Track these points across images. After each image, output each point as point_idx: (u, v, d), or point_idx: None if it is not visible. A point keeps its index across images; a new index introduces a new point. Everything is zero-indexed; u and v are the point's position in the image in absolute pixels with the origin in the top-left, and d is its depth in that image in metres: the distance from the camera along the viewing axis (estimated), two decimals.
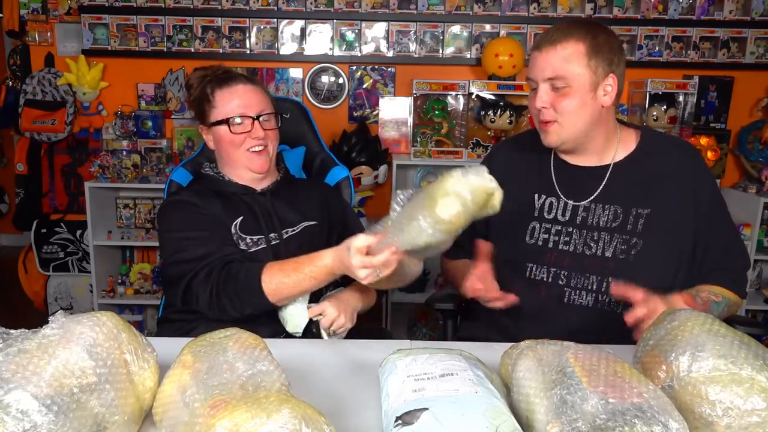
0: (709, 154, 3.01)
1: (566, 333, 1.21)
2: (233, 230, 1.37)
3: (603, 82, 1.26)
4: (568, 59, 1.23)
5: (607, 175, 1.34)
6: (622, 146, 1.35)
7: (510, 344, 0.92)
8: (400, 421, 0.72)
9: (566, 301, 1.33)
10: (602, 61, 1.25)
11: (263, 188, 1.46)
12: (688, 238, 1.32)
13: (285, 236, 1.42)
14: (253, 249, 1.37)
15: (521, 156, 1.45)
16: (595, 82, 1.25)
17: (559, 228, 1.36)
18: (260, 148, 1.40)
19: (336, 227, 1.50)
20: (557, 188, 1.37)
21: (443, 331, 1.60)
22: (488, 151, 1.63)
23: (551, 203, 1.37)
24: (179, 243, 1.34)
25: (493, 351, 0.99)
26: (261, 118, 1.39)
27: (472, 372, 0.81)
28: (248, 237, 1.38)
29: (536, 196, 1.39)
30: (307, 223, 1.46)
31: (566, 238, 1.35)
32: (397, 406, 0.76)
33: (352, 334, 1.33)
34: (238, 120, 1.37)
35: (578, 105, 1.25)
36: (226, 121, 1.38)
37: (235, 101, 1.39)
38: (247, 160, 1.41)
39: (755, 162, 3.00)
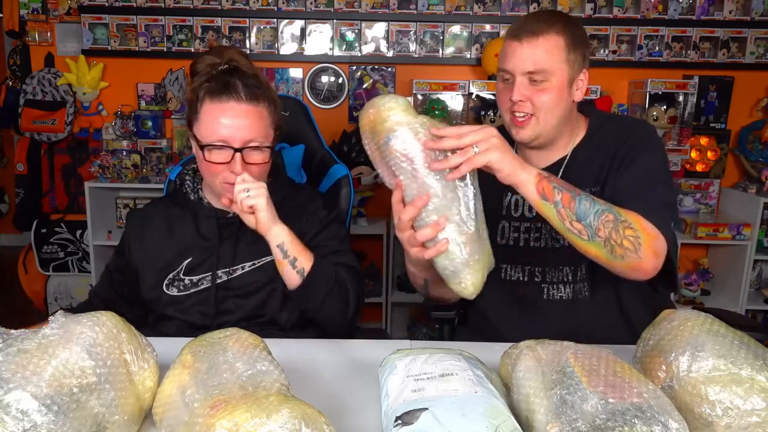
0: (709, 154, 3.01)
1: (551, 332, 1.20)
2: (171, 276, 1.30)
3: (577, 77, 1.24)
4: (549, 52, 1.20)
5: (563, 167, 1.32)
6: (578, 136, 1.33)
7: (510, 344, 0.92)
8: (399, 421, 0.72)
9: (545, 297, 1.31)
10: (579, 56, 1.23)
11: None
12: None
13: (237, 273, 1.29)
14: (187, 292, 1.29)
15: None
16: (572, 77, 1.23)
17: (528, 225, 1.34)
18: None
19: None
20: None
21: (440, 334, 1.60)
22: None
23: (517, 200, 1.36)
24: (105, 269, 1.42)
25: (493, 351, 0.99)
26: (245, 151, 1.19)
27: (471, 372, 0.81)
28: (187, 278, 1.29)
29: (504, 194, 1.37)
30: (271, 258, 1.24)
31: (536, 234, 1.33)
32: (397, 406, 0.76)
33: (353, 334, 1.32)
34: (217, 148, 1.19)
35: (556, 100, 1.22)
36: (203, 146, 1.20)
37: (219, 122, 1.18)
38: (221, 190, 1.23)
39: (755, 162, 3.00)
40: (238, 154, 1.18)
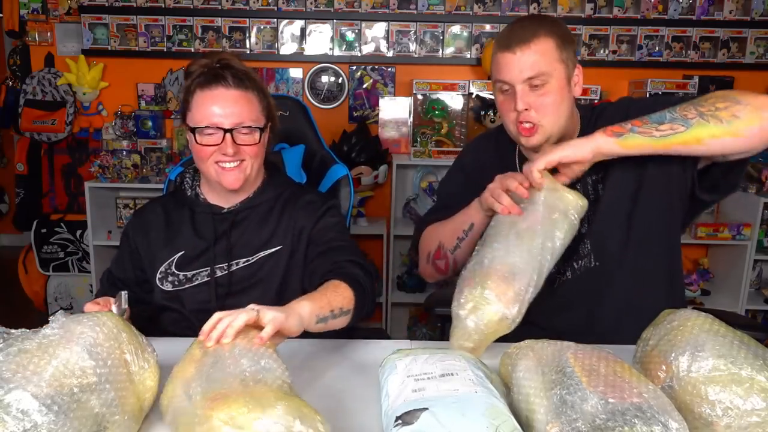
0: None
1: (564, 315, 1.18)
2: (163, 269, 1.31)
3: (573, 74, 1.25)
4: (544, 54, 1.20)
5: None
6: (576, 130, 1.33)
7: (510, 344, 0.92)
8: (400, 421, 0.73)
9: (555, 285, 1.31)
10: (570, 53, 1.24)
11: (230, 207, 1.34)
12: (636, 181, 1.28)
13: (233, 268, 1.30)
14: (182, 287, 1.30)
15: (493, 151, 1.44)
16: (568, 75, 1.24)
17: None
18: (233, 164, 1.25)
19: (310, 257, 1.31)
20: None
21: (442, 332, 1.60)
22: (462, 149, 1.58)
23: None
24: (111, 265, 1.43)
25: (493, 351, 0.99)
26: (236, 132, 1.24)
27: (471, 372, 0.81)
28: (181, 273, 1.30)
29: None
30: (265, 252, 1.30)
31: None
32: (397, 406, 0.76)
33: (353, 334, 1.32)
34: (208, 130, 1.23)
35: (558, 101, 1.22)
36: (194, 130, 1.24)
37: (209, 108, 1.23)
38: (216, 174, 1.26)
39: (755, 162, 2.99)
40: (228, 135, 1.23)
